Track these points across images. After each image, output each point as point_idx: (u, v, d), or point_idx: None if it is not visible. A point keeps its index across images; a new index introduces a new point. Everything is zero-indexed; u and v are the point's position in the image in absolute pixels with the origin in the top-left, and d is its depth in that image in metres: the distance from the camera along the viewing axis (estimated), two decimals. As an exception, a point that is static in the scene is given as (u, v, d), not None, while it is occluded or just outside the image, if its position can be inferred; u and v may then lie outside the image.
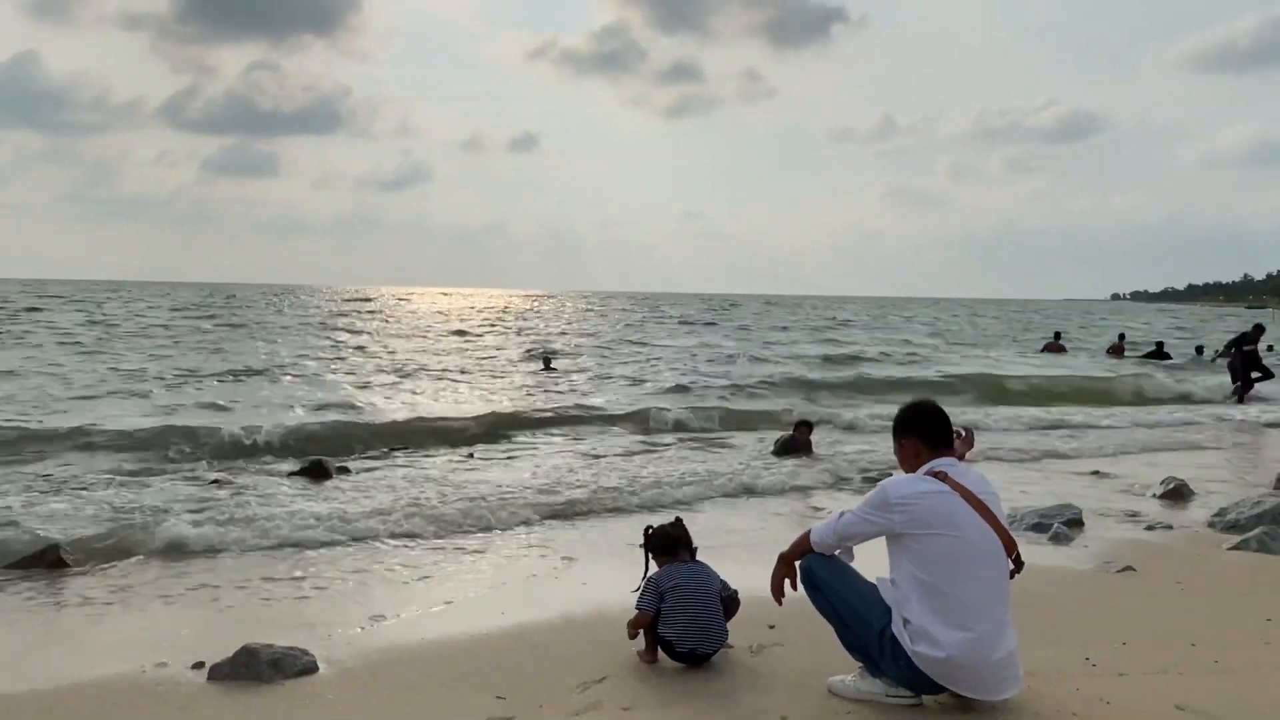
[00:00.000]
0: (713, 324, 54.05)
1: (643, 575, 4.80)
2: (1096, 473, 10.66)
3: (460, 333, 40.71)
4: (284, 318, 49.17)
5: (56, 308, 53.39)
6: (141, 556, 7.20)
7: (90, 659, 5.12)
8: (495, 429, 14.40)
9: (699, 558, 4.88)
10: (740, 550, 7.18)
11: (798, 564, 4.26)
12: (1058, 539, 7.33)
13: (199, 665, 4.85)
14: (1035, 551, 6.85)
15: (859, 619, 4.06)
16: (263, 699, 4.47)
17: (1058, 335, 37.73)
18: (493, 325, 49.08)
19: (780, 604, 4.30)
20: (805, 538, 4.23)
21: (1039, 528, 7.53)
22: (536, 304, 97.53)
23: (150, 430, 12.86)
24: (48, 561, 6.83)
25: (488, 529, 8.22)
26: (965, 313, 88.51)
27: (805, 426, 11.67)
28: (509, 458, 12.28)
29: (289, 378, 21.27)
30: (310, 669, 4.76)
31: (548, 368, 24.66)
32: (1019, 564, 3.91)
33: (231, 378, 20.90)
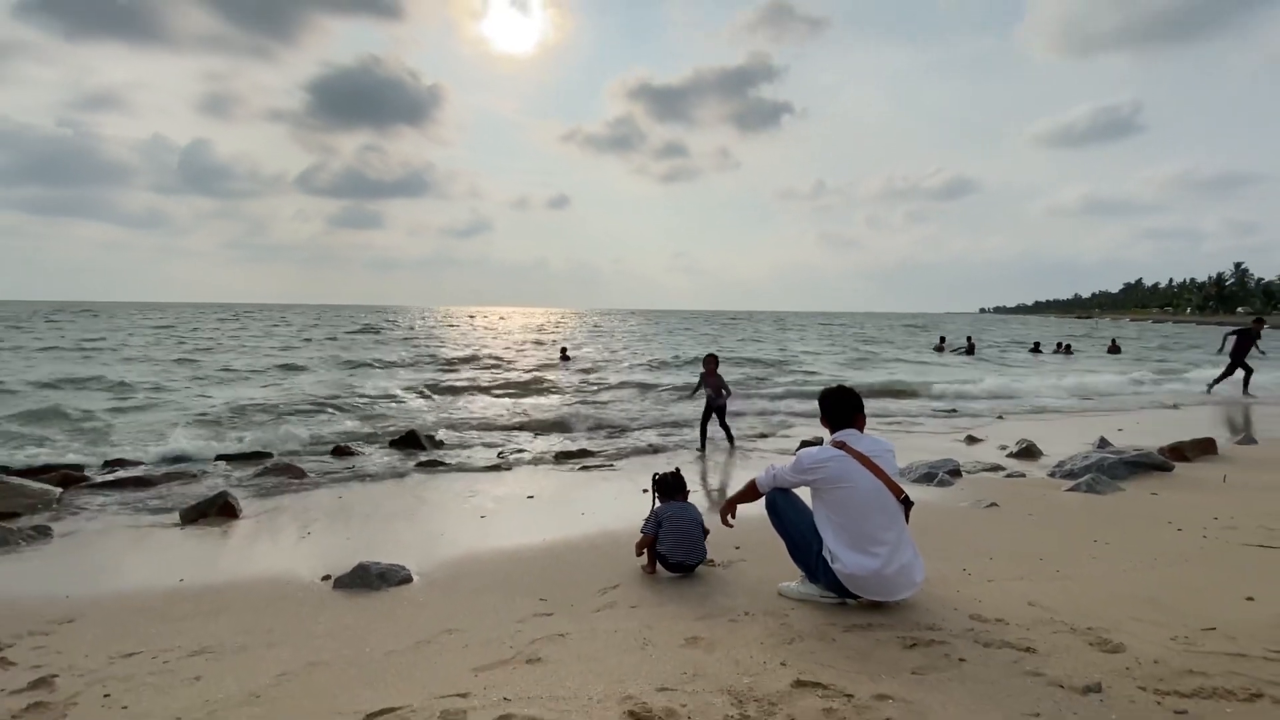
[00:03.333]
0: (688, 328, 54.83)
1: (650, 509, 4.78)
2: (970, 438, 10.60)
3: (538, 342, 38.35)
4: (397, 331, 48.76)
5: (249, 323, 53.66)
6: (286, 497, 7.17)
7: (250, 572, 5.10)
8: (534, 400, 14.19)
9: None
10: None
11: (764, 496, 4.24)
12: (942, 484, 7.28)
13: (326, 577, 4.83)
14: (926, 493, 6.82)
15: (804, 541, 4.05)
16: (373, 602, 4.44)
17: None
18: (537, 334, 48.84)
19: (729, 526, 4.35)
20: (751, 485, 4.22)
21: (928, 477, 7.48)
22: (564, 319, 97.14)
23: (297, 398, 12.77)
24: (218, 506, 6.78)
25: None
26: (873, 323, 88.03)
27: (712, 360, 10.19)
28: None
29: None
30: (407, 579, 4.73)
31: (564, 358, 25.05)
32: (908, 503, 3.89)
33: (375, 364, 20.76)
